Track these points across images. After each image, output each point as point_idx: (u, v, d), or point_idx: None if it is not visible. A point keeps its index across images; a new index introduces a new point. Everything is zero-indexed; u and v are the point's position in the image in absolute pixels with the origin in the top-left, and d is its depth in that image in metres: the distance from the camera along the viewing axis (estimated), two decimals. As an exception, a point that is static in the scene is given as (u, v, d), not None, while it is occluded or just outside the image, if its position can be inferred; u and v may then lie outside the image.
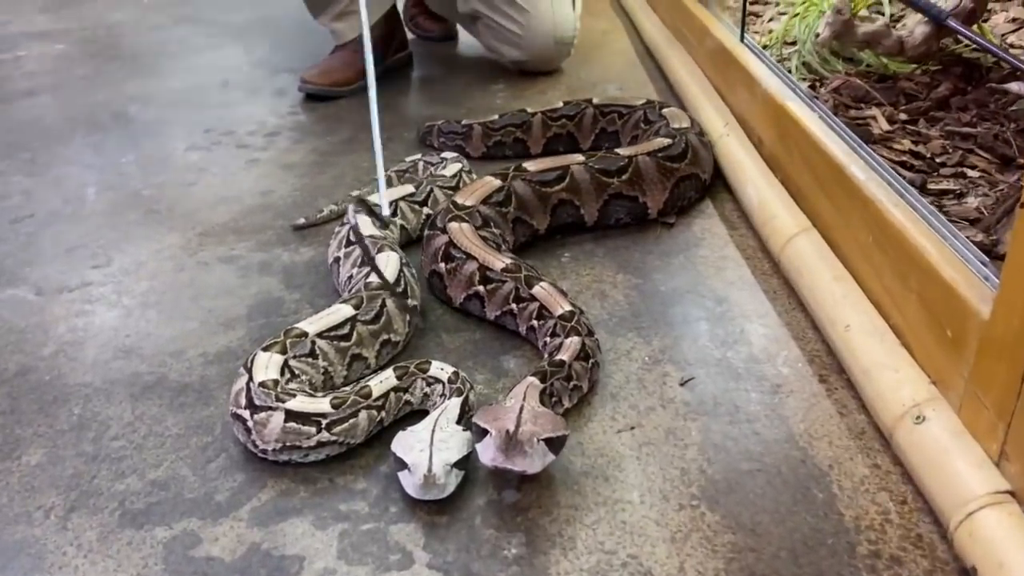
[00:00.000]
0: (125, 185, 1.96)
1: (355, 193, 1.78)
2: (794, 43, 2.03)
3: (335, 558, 0.98)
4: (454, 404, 1.12)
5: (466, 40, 2.87)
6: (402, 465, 1.01)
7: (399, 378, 1.16)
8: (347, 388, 1.14)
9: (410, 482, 1.00)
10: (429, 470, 0.98)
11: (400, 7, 2.72)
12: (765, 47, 2.05)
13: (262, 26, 3.18)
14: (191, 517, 1.05)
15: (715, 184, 1.78)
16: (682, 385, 1.23)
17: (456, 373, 1.18)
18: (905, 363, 1.10)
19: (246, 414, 1.10)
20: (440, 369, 1.18)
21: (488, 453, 0.98)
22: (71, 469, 1.13)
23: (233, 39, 3.07)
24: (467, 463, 1.04)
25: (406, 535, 1.00)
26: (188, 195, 1.90)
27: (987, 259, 1.04)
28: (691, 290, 1.46)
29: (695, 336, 1.34)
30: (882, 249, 1.19)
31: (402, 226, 1.61)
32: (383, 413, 1.13)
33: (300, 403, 1.09)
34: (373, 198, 1.61)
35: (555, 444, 1.02)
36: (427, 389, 1.18)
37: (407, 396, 1.17)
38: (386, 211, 1.42)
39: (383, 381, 1.15)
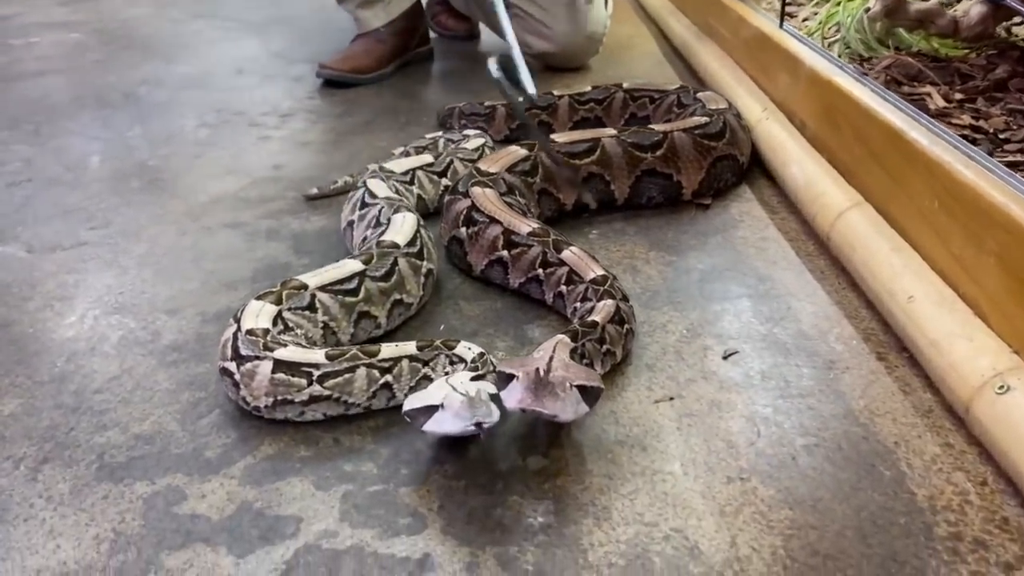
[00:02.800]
0: (130, 156, 1.87)
1: (371, 166, 1.68)
2: (837, 30, 1.94)
3: (337, 520, 0.86)
4: (464, 373, 0.97)
5: (488, 39, 2.80)
6: (428, 412, 0.87)
7: (420, 349, 1.03)
8: (355, 346, 1.02)
9: (448, 415, 0.86)
10: (469, 393, 0.85)
11: (424, 3, 2.65)
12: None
13: (280, 23, 3.12)
14: (177, 472, 0.93)
15: (752, 170, 1.68)
16: (725, 359, 1.12)
17: (482, 354, 1.04)
18: (980, 332, 0.98)
19: (232, 366, 0.99)
20: (467, 349, 1.05)
21: (515, 395, 0.86)
22: (47, 420, 1.02)
23: (250, 33, 3.00)
24: (501, 405, 0.89)
25: (419, 498, 0.89)
26: (195, 166, 1.81)
27: (1077, 215, 0.93)
28: (731, 268, 1.35)
29: (737, 312, 1.22)
30: (950, 213, 1.08)
31: (419, 196, 1.51)
32: (389, 377, 1.00)
33: (290, 352, 0.97)
34: (390, 165, 1.51)
35: (589, 395, 0.90)
36: (449, 368, 1.04)
37: (426, 370, 1.03)
38: (531, 89, 1.44)
39: (399, 346, 1.03)
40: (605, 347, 1.06)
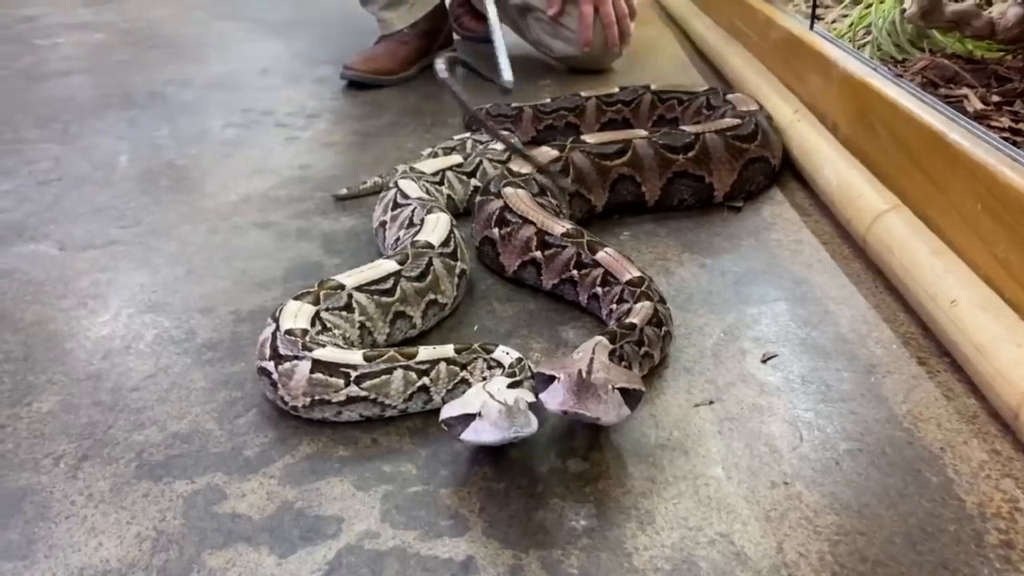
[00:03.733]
0: (158, 155, 1.88)
1: (400, 167, 1.67)
2: (868, 32, 1.92)
3: (378, 520, 0.86)
4: (500, 379, 0.96)
5: (511, 41, 2.79)
6: (466, 421, 0.86)
7: (458, 352, 1.02)
8: (393, 348, 1.02)
9: (487, 424, 0.84)
10: (508, 403, 0.84)
11: (447, 4, 2.65)
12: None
13: (302, 24, 3.13)
14: (216, 472, 0.93)
15: (783, 173, 1.67)
16: (764, 362, 1.11)
17: (520, 359, 1.02)
18: (1028, 337, 0.97)
19: (271, 366, 0.98)
20: (505, 353, 1.03)
21: (557, 397, 0.85)
22: (85, 418, 1.02)
23: (273, 34, 3.01)
24: (539, 412, 0.88)
25: (459, 500, 0.88)
26: (224, 166, 1.81)
27: None
28: (765, 271, 1.33)
29: (775, 315, 1.21)
30: (995, 216, 1.07)
31: (449, 196, 1.51)
32: (426, 379, 0.99)
33: (329, 353, 0.97)
34: (420, 166, 1.51)
35: (631, 397, 0.89)
36: (487, 373, 1.02)
37: (464, 374, 1.01)
38: (507, 75, 1.45)
39: (436, 349, 1.02)
40: (643, 349, 1.06)
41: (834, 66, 1.59)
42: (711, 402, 1.03)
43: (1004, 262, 1.05)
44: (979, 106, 1.38)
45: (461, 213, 1.53)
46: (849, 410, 1.01)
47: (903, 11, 1.57)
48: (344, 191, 1.63)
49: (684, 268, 1.35)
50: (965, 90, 1.43)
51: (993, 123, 1.32)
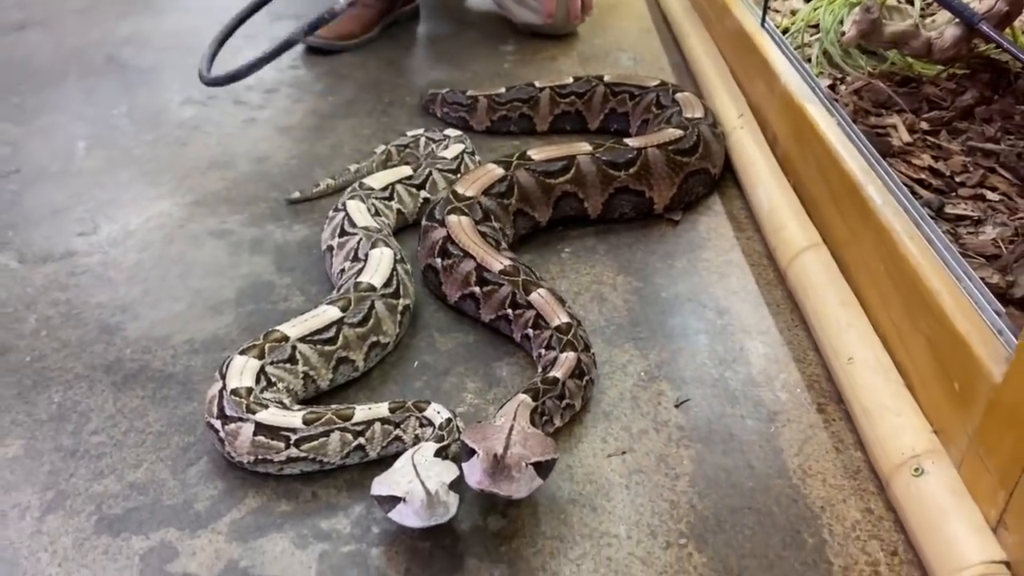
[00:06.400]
0: (116, 141, 1.90)
1: (353, 167, 1.72)
2: (816, 25, 1.94)
3: (314, 582, 0.96)
4: (429, 446, 1.04)
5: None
6: (393, 502, 0.96)
7: (391, 411, 1.10)
8: (332, 407, 1.10)
9: (410, 511, 0.94)
10: (430, 491, 0.94)
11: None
12: (786, 31, 1.97)
13: (265, -37, 3.05)
14: (169, 527, 1.02)
15: (725, 178, 1.73)
16: (677, 407, 1.20)
17: (449, 420, 1.09)
18: (908, 407, 1.07)
19: (218, 424, 1.07)
20: (437, 412, 1.10)
21: (475, 475, 0.96)
22: (48, 465, 1.11)
23: (234, -24, 2.94)
24: (460, 486, 0.99)
25: (387, 560, 0.99)
26: (181, 156, 1.84)
27: (1002, 309, 1.00)
28: (692, 298, 1.42)
29: (693, 351, 1.30)
30: (893, 281, 1.15)
31: (398, 210, 1.56)
32: (362, 439, 1.07)
33: (270, 416, 1.05)
34: (369, 181, 1.56)
35: (543, 468, 0.99)
36: (419, 431, 1.10)
37: (398, 432, 1.09)
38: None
39: (372, 409, 1.10)
40: (565, 402, 1.15)
41: (777, 79, 1.63)
42: (623, 453, 1.13)
43: (897, 327, 1.14)
44: (906, 138, 1.43)
45: (411, 224, 1.59)
46: (747, 462, 1.12)
47: (842, 34, 1.60)
48: (297, 194, 1.67)
49: (617, 293, 1.43)
50: (895, 119, 1.48)
51: (915, 161, 1.38)
